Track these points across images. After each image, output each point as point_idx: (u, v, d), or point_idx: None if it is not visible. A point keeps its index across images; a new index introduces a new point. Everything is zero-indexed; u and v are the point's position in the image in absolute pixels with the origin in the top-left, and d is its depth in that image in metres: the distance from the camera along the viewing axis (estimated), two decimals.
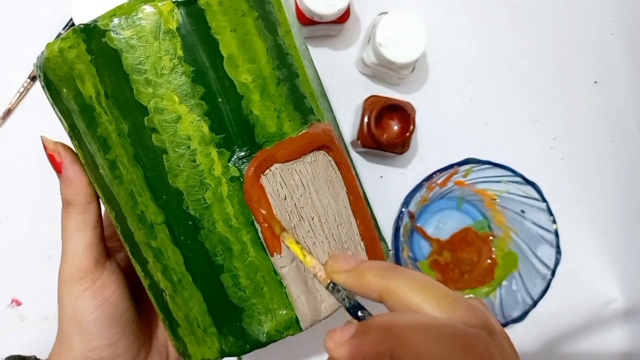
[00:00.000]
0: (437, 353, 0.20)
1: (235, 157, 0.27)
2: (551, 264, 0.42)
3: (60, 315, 0.31)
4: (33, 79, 0.46)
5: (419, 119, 0.47)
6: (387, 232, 0.47)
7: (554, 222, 0.42)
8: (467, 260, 0.47)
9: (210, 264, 0.28)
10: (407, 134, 0.43)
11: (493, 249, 0.47)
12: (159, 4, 0.26)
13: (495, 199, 0.46)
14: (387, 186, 0.48)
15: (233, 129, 0.27)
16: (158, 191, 0.28)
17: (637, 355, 0.48)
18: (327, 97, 0.35)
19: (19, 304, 0.46)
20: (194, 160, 0.27)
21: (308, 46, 0.48)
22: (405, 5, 0.49)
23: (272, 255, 0.28)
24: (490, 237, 0.48)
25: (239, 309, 0.29)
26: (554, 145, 0.50)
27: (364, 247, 0.32)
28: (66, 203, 0.31)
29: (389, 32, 0.42)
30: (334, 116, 0.35)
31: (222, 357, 0.30)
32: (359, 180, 0.35)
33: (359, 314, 0.24)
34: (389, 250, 0.36)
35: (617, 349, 0.49)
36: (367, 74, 0.48)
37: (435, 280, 0.23)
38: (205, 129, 0.27)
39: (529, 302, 0.42)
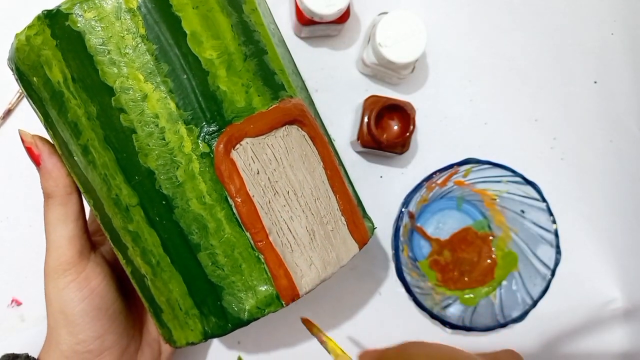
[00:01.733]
0: None
1: (204, 133, 0.27)
2: (551, 264, 0.42)
3: (48, 309, 0.31)
4: None
5: (419, 119, 0.47)
6: (387, 232, 0.47)
7: (554, 222, 0.42)
8: (467, 260, 0.47)
9: (186, 244, 0.28)
10: (407, 134, 0.43)
11: (493, 249, 0.47)
12: None
13: (495, 199, 0.46)
14: (387, 186, 0.48)
15: (200, 105, 0.27)
16: (130, 172, 0.28)
17: (637, 355, 0.48)
18: (300, 77, 0.35)
19: (19, 304, 0.46)
20: (163, 139, 0.27)
21: (308, 46, 0.48)
22: (405, 5, 0.49)
23: (248, 231, 0.28)
24: (490, 237, 0.48)
25: (218, 287, 0.28)
26: (554, 145, 0.50)
27: (345, 222, 0.32)
28: (47, 196, 0.31)
29: (389, 32, 0.42)
30: (308, 94, 0.35)
31: (206, 339, 0.30)
32: (338, 158, 0.35)
33: None
34: (374, 228, 0.36)
35: (617, 349, 0.49)
36: (367, 74, 0.48)
37: (454, 348, 0.25)
38: (172, 106, 0.27)
39: (529, 302, 0.42)
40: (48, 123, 0.30)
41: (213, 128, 0.27)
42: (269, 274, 0.28)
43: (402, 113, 0.44)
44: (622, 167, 0.50)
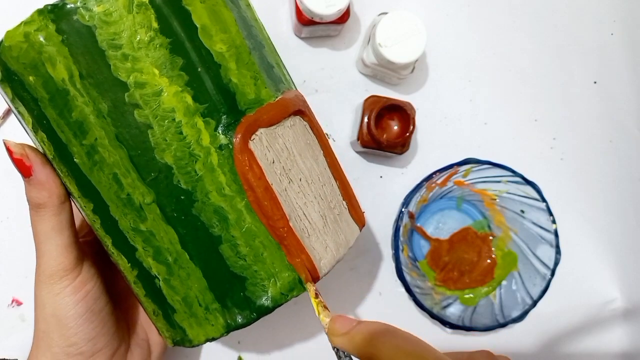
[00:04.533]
0: None
1: (221, 125, 0.28)
2: (551, 264, 0.42)
3: (37, 314, 0.31)
4: None
5: (419, 119, 0.47)
6: (387, 232, 0.47)
7: (554, 222, 0.42)
8: (467, 260, 0.47)
9: (208, 237, 0.28)
10: (407, 134, 0.43)
11: (493, 248, 0.47)
12: None
13: (495, 199, 0.46)
14: (387, 186, 0.48)
15: (216, 97, 0.27)
16: (145, 169, 0.28)
17: (637, 355, 0.48)
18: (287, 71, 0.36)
19: (19, 304, 0.46)
20: (181, 133, 0.27)
21: (308, 46, 0.48)
22: (405, 5, 0.49)
23: (270, 219, 0.28)
24: (490, 237, 0.48)
25: (241, 278, 0.29)
26: (553, 145, 0.50)
27: (346, 206, 0.33)
28: (36, 206, 0.30)
29: (389, 32, 0.42)
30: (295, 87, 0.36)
31: (228, 332, 0.30)
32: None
33: None
34: (362, 212, 0.37)
35: (617, 349, 0.49)
36: (367, 74, 0.48)
37: (426, 345, 0.24)
38: (189, 99, 0.27)
39: (529, 302, 0.42)
40: (42, 126, 0.29)
41: (230, 120, 0.28)
42: (289, 259, 0.29)
43: (402, 113, 0.44)
44: (621, 167, 0.50)
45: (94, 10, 0.26)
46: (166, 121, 0.27)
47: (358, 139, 0.45)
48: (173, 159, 0.27)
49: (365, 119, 0.44)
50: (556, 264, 0.42)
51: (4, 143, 0.30)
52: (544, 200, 0.42)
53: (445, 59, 0.49)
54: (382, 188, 0.48)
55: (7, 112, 0.46)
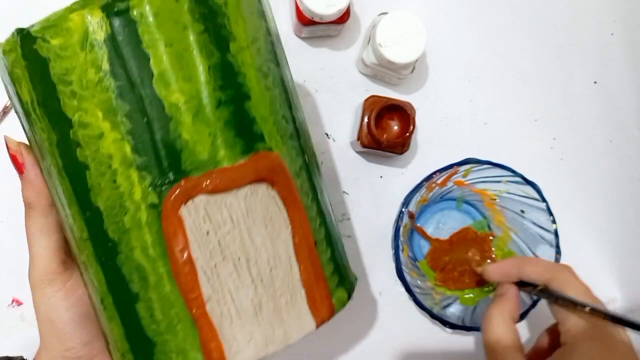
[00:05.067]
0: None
1: (156, 182, 0.26)
2: None
3: (37, 317, 0.31)
4: None
5: (419, 119, 0.47)
6: (387, 232, 0.47)
7: (554, 222, 0.42)
8: (467, 260, 0.47)
9: (127, 291, 0.27)
10: (407, 134, 0.43)
11: (493, 249, 0.47)
12: (88, 13, 0.24)
13: (495, 199, 0.46)
14: (387, 186, 0.48)
15: (158, 152, 0.25)
16: (82, 206, 0.27)
17: (637, 355, 0.48)
18: (298, 116, 0.32)
19: (19, 304, 0.46)
20: (115, 181, 0.26)
21: (308, 46, 0.48)
22: (405, 5, 0.49)
23: (184, 296, 0.26)
24: (490, 237, 0.48)
25: (151, 343, 0.27)
26: (553, 145, 0.50)
27: (304, 296, 0.29)
28: (28, 206, 0.31)
29: (389, 32, 0.42)
30: (304, 138, 0.32)
31: None
32: (322, 205, 0.32)
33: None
34: (356, 279, 0.35)
35: None
36: (367, 74, 0.48)
37: None
38: (128, 149, 0.25)
39: (529, 302, 0.42)
40: (24, 131, 0.29)
41: (166, 179, 0.26)
42: (200, 341, 0.27)
43: (402, 113, 0.44)
44: (621, 167, 0.50)
45: (50, 42, 0.25)
46: (103, 166, 0.26)
47: (358, 139, 0.45)
48: (104, 205, 0.26)
49: (365, 119, 0.44)
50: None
51: (5, 139, 0.31)
52: (544, 200, 0.42)
53: (445, 59, 0.49)
54: (382, 188, 0.48)
55: (5, 111, 0.46)
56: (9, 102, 0.46)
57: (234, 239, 0.27)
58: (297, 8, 0.43)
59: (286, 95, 0.31)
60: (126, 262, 0.27)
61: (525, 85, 0.50)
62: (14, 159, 0.31)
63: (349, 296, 0.33)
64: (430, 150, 0.49)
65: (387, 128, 0.46)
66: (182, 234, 0.26)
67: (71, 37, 0.25)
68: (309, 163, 0.32)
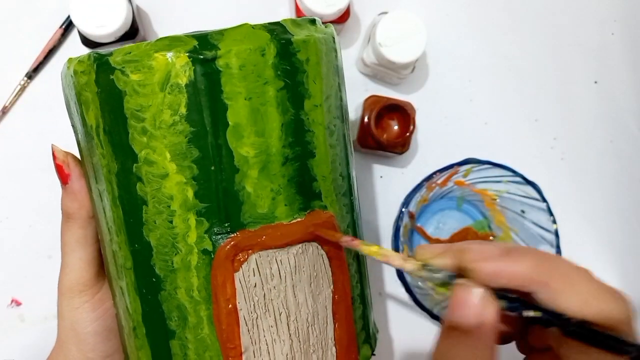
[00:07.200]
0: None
1: (213, 229, 0.26)
2: None
3: (59, 322, 0.32)
4: (30, 77, 0.46)
5: (419, 119, 0.47)
6: (387, 232, 0.47)
7: (554, 222, 0.42)
8: None
9: (163, 327, 0.27)
10: (407, 134, 0.43)
11: None
12: (174, 56, 0.24)
13: (495, 199, 0.46)
14: (387, 186, 0.48)
15: (219, 201, 0.26)
16: (132, 237, 0.27)
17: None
18: (350, 173, 0.32)
19: (18, 304, 0.46)
20: (171, 222, 0.26)
21: None
22: (405, 5, 0.49)
23: (222, 345, 0.26)
24: (491, 237, 0.47)
25: None
26: (554, 145, 0.50)
27: (334, 353, 0.29)
28: (67, 216, 0.31)
29: (389, 31, 0.42)
30: (354, 195, 0.32)
31: None
32: (361, 264, 0.33)
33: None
34: (377, 332, 0.35)
35: None
36: (367, 74, 0.48)
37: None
38: (190, 193, 0.26)
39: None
40: (79, 147, 0.29)
41: (224, 229, 0.26)
42: None
43: (402, 113, 0.44)
44: (621, 167, 0.50)
45: (130, 77, 0.25)
46: (161, 205, 0.26)
47: (358, 139, 0.45)
48: (156, 241, 0.26)
49: (365, 119, 0.44)
50: None
51: (52, 148, 0.31)
52: (544, 200, 0.42)
53: (445, 59, 0.49)
54: (382, 188, 0.48)
55: (4, 112, 0.46)
56: (9, 102, 0.46)
57: (279, 293, 0.27)
58: (297, 8, 0.43)
59: (345, 152, 0.31)
60: (168, 300, 0.27)
61: (526, 85, 0.50)
62: (59, 168, 0.30)
63: (372, 352, 0.33)
64: (430, 150, 0.49)
65: (387, 128, 0.46)
66: (231, 284, 0.26)
67: (152, 76, 0.25)
68: (355, 218, 0.32)
